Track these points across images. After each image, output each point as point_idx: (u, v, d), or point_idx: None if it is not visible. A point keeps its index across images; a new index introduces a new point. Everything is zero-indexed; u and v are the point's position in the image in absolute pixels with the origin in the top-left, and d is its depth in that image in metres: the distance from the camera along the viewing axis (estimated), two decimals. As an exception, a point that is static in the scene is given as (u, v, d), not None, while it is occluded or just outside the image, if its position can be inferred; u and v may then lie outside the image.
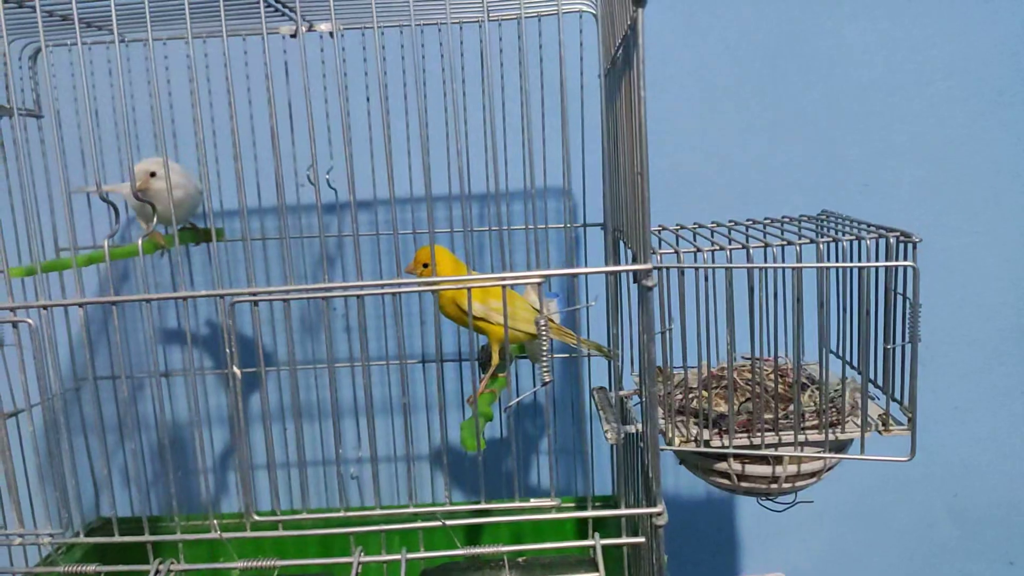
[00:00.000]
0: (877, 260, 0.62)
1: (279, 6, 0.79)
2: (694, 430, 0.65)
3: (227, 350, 0.48)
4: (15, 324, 0.49)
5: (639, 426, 0.64)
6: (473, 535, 0.79)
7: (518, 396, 0.57)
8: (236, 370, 0.48)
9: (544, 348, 0.50)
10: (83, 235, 0.87)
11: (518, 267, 0.97)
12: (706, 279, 0.61)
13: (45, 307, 0.49)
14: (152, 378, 0.85)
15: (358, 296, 0.49)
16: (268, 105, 0.89)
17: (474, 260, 0.93)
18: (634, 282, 0.61)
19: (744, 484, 0.66)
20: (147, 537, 0.51)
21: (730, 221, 0.74)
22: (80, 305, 0.49)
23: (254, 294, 0.48)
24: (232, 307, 0.48)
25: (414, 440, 0.91)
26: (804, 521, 1.11)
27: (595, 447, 1.01)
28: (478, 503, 0.55)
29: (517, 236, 1.00)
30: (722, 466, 0.65)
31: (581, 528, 0.82)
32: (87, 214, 0.90)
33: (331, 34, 0.83)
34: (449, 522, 0.53)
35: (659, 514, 0.53)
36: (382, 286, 0.50)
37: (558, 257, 1.02)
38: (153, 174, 0.72)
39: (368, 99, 0.88)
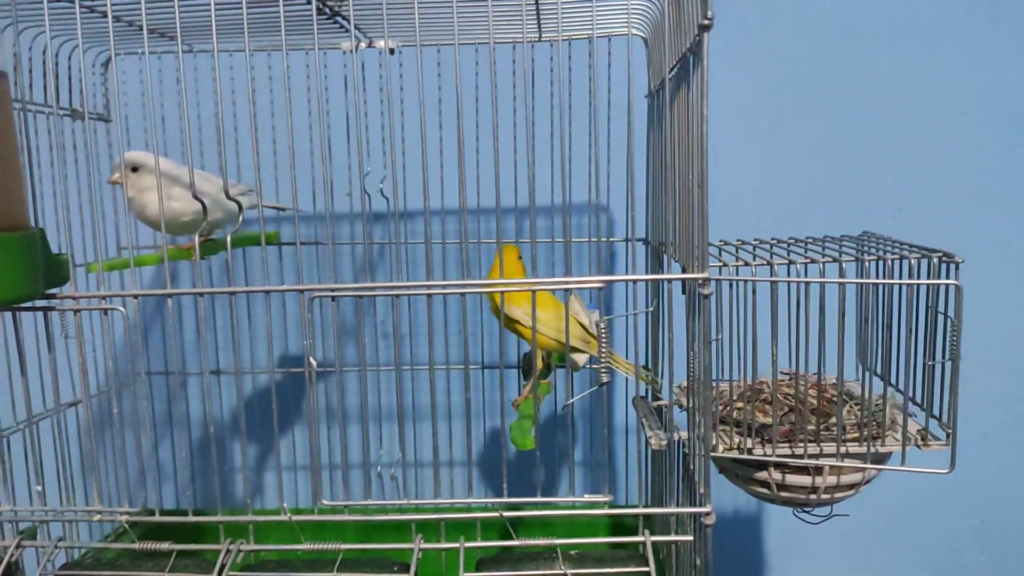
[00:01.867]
0: (919, 279, 0.64)
1: (344, 23, 0.83)
2: (737, 439, 0.67)
3: (304, 342, 0.51)
4: (107, 312, 0.53)
5: (683, 433, 0.66)
6: (507, 532, 0.81)
7: (568, 399, 0.59)
8: (312, 362, 0.51)
9: (604, 351, 0.53)
10: (145, 238, 0.92)
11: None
12: (754, 292, 0.63)
13: (136, 296, 0.53)
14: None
15: (428, 295, 0.52)
16: (325, 116, 0.93)
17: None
18: (683, 292, 0.63)
19: (783, 494, 0.68)
20: (219, 518, 0.54)
21: (772, 239, 0.77)
22: (169, 296, 0.52)
23: (333, 290, 0.51)
24: (311, 302, 0.51)
25: (453, 444, 0.94)
26: (832, 541, 1.12)
27: (623, 458, 1.03)
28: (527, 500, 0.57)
29: (550, 248, 1.03)
30: (762, 475, 0.67)
31: (612, 530, 0.84)
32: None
33: (391, 51, 0.87)
34: (506, 513, 0.55)
35: (707, 514, 0.56)
36: (449, 286, 0.53)
37: (592, 269, 1.04)
38: (134, 169, 0.68)
39: (424, 114, 0.91)
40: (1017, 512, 1.11)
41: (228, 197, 0.51)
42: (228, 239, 0.52)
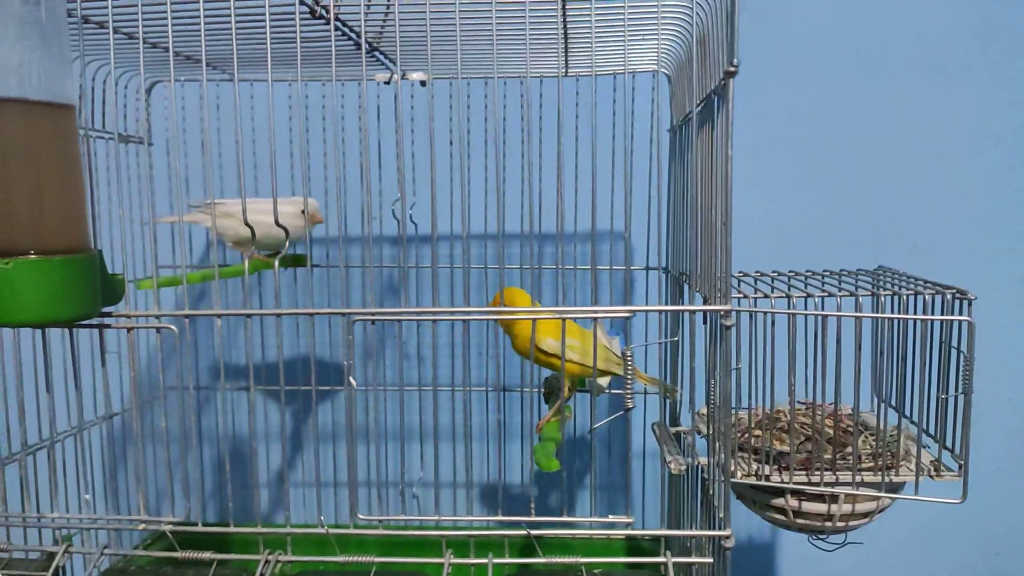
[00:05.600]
0: (933, 315, 0.66)
1: (380, 56, 0.87)
2: (755, 466, 0.69)
3: (345, 363, 0.54)
4: (159, 330, 0.56)
5: (702, 459, 0.68)
6: (528, 552, 0.83)
7: (588, 423, 0.62)
8: (352, 381, 0.54)
9: (628, 378, 0.55)
10: (165, 256, 0.96)
11: (580, 306, 1.02)
12: (773, 324, 0.65)
13: (188, 316, 0.56)
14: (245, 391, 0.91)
15: (464, 320, 0.54)
16: (357, 145, 0.97)
17: (540, 298, 0.99)
18: (704, 323, 0.66)
19: (799, 520, 0.70)
20: (259, 529, 0.57)
21: (790, 271, 0.79)
22: (218, 316, 0.55)
23: (373, 314, 0.54)
24: (352, 324, 0.54)
25: (477, 464, 0.96)
26: (847, 570, 1.13)
27: (638, 482, 1.04)
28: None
29: (571, 275, 1.06)
30: (779, 502, 0.69)
31: (629, 553, 0.85)
32: (169, 238, 0.97)
33: (423, 83, 0.91)
34: (533, 532, 0.57)
35: (727, 537, 0.58)
36: (481, 313, 0.56)
37: (613, 298, 1.07)
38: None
39: (451, 143, 0.95)
40: (1031, 546, 1.11)
41: (277, 223, 0.54)
42: (276, 262, 0.56)
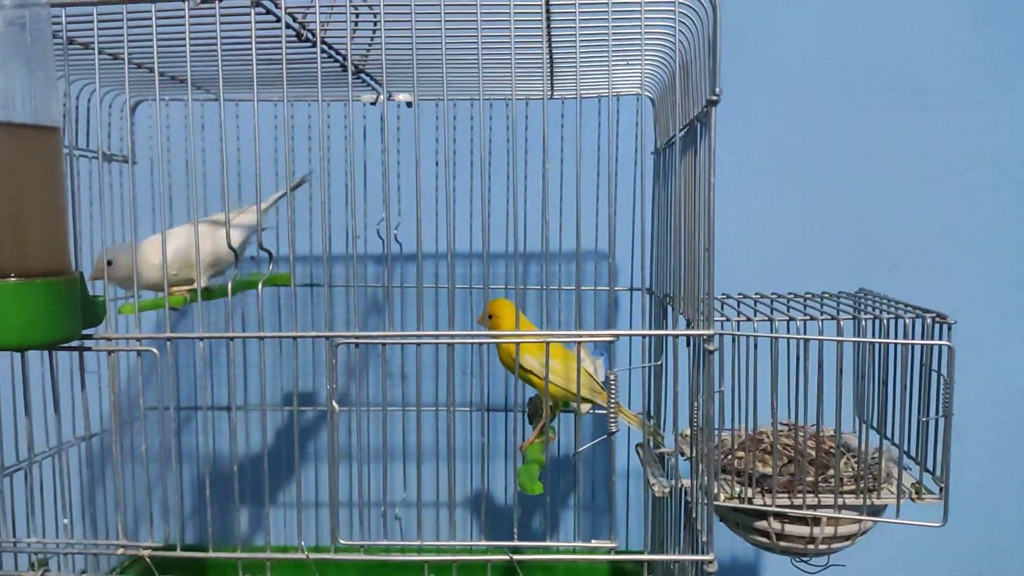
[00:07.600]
0: (913, 339, 0.67)
1: (366, 77, 0.87)
2: (737, 488, 0.69)
3: (328, 386, 0.53)
4: (140, 353, 0.56)
5: (686, 482, 0.68)
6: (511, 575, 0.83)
7: (572, 445, 0.62)
8: (335, 404, 0.54)
9: (612, 402, 0.56)
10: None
11: (564, 326, 1.03)
12: (755, 347, 0.66)
13: (169, 339, 0.56)
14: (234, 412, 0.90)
15: (449, 344, 0.54)
16: (344, 164, 0.97)
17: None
18: (687, 346, 0.66)
19: (782, 543, 0.70)
20: (238, 554, 0.56)
21: (772, 293, 0.80)
22: (200, 338, 0.55)
23: (357, 337, 0.54)
24: (336, 348, 0.54)
25: (455, 486, 0.96)
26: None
27: (621, 503, 1.04)
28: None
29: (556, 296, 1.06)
30: (762, 524, 0.69)
31: (613, 574, 0.85)
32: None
33: (408, 104, 0.91)
34: (515, 556, 0.57)
35: (710, 561, 0.58)
36: (467, 336, 0.56)
37: (597, 318, 1.07)
38: (109, 263, 0.71)
39: (437, 163, 0.96)
40: (1014, 565, 1.12)
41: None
42: (260, 283, 0.55)
